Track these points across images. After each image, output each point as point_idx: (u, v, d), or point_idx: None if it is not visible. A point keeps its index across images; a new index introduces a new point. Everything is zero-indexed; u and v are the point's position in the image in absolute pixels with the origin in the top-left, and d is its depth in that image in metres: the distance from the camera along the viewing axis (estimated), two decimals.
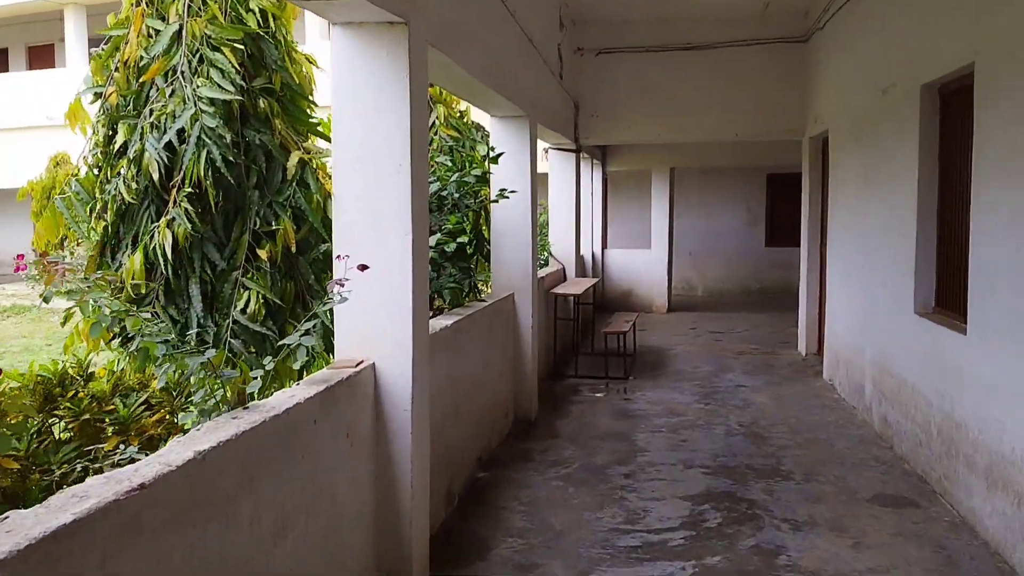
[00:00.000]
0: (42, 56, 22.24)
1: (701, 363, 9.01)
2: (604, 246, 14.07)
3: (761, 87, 9.33)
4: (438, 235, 5.01)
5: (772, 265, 15.58)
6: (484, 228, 6.54)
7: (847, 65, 7.25)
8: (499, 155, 5.71)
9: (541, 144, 9.81)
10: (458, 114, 6.61)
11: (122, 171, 3.81)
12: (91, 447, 3.22)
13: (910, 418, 5.23)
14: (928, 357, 4.94)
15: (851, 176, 7.06)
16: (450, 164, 6.13)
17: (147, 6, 3.89)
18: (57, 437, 3.47)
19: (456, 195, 5.71)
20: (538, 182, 6.62)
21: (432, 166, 6.07)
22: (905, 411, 5.34)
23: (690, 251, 16.04)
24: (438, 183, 5.51)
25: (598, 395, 7.54)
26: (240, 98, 3.66)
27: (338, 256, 3.16)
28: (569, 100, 9.27)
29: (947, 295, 5.01)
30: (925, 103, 5.14)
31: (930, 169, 5.13)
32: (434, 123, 6.29)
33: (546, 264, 9.87)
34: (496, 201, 5.90)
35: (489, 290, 6.56)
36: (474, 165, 5.79)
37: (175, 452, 2.11)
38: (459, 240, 5.17)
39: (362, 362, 3.34)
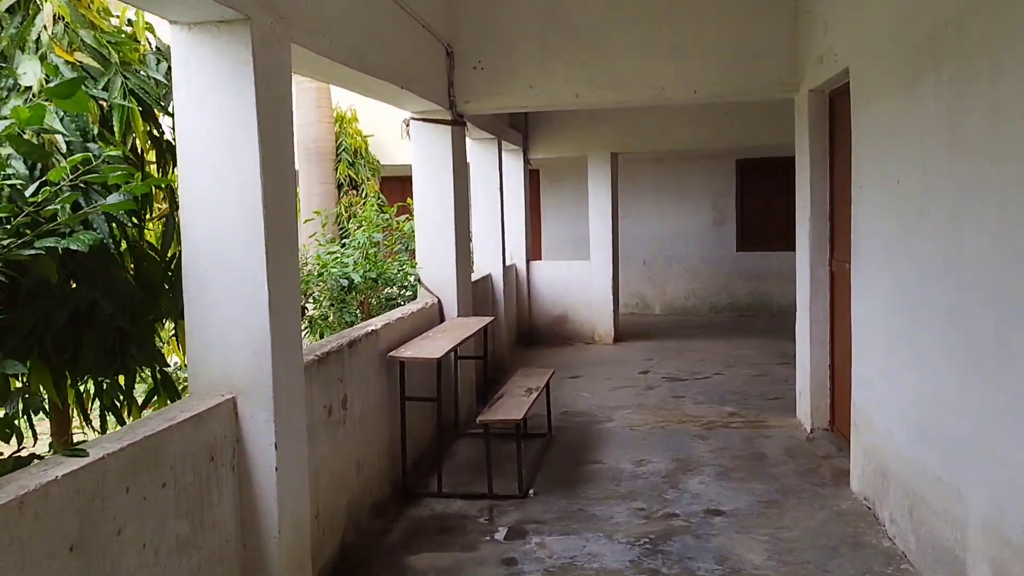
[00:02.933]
0: None
1: (650, 451, 5.68)
2: (531, 258, 10.70)
3: (731, 16, 6.05)
4: None
5: (745, 275, 12.38)
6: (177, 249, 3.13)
7: None
8: (70, 82, 2.23)
9: (402, 114, 6.44)
10: (117, 25, 3.19)
11: None
12: None
13: None
14: None
15: (912, 145, 3.76)
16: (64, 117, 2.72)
17: None
18: None
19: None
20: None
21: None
22: None
23: (644, 260, 12.79)
24: None
25: (457, 553, 4.15)
26: None
27: None
28: (434, 41, 5.89)
29: None
30: None
31: None
32: (39, 37, 2.88)
33: (413, 297, 6.48)
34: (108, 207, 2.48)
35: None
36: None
37: None
38: None
39: None
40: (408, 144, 6.51)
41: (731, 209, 12.54)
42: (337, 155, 10.89)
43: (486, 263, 8.75)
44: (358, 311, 6.01)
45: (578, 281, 10.53)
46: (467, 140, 7.95)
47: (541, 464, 5.47)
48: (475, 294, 7.39)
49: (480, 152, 8.62)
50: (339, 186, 10.89)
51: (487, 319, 6.15)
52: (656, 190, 12.75)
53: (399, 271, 6.32)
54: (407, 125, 6.34)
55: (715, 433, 6.07)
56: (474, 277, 7.87)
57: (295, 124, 10.66)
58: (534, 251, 11.86)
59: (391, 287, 6.38)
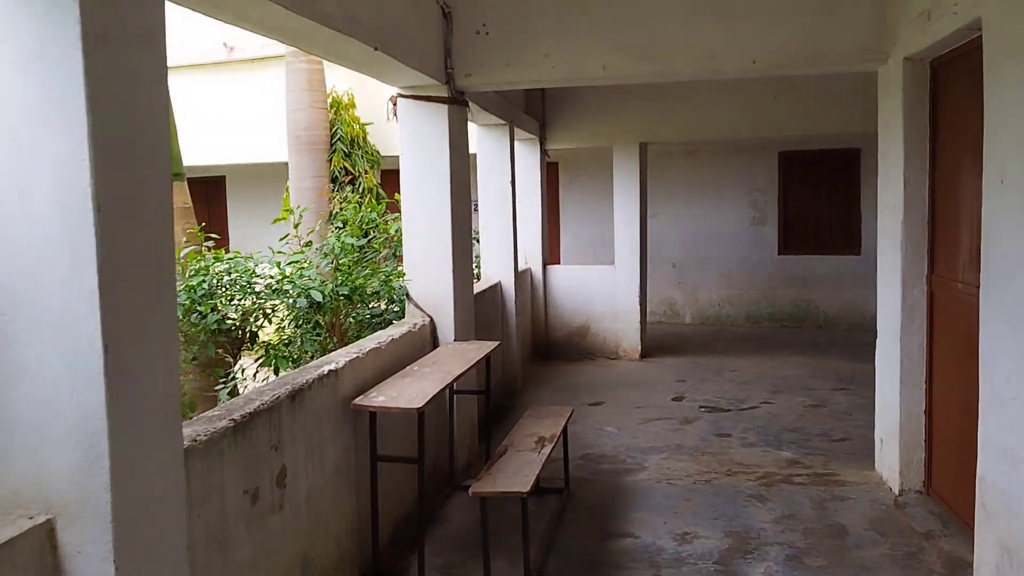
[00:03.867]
0: None
1: (695, 518, 4.44)
2: (547, 261, 9.47)
3: None
4: None
5: (787, 281, 11.05)
6: None
7: None
8: None
9: (390, 90, 5.25)
10: None
11: None
12: None
13: None
14: None
15: None
16: None
17: None
18: None
19: None
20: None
21: None
22: None
23: (673, 262, 11.52)
24: None
25: None
26: None
27: None
28: None
29: None
30: None
31: None
32: None
33: (400, 316, 5.28)
34: None
35: None
36: None
37: None
38: None
39: None
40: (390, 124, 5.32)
41: (772, 207, 11.20)
42: (332, 145, 9.73)
43: (495, 269, 7.55)
44: (329, 335, 4.82)
45: (601, 288, 9.29)
46: (472, 125, 6.76)
47: (556, 535, 4.26)
48: (480, 306, 6.20)
49: (488, 140, 7.40)
50: (334, 179, 9.73)
51: (490, 345, 4.93)
52: (687, 186, 11.46)
53: (383, 284, 5.12)
54: (394, 104, 5.15)
55: (775, 492, 4.83)
56: (480, 287, 6.69)
57: (286, 110, 9.60)
58: (551, 254, 10.64)
59: (375, 302, 5.20)
